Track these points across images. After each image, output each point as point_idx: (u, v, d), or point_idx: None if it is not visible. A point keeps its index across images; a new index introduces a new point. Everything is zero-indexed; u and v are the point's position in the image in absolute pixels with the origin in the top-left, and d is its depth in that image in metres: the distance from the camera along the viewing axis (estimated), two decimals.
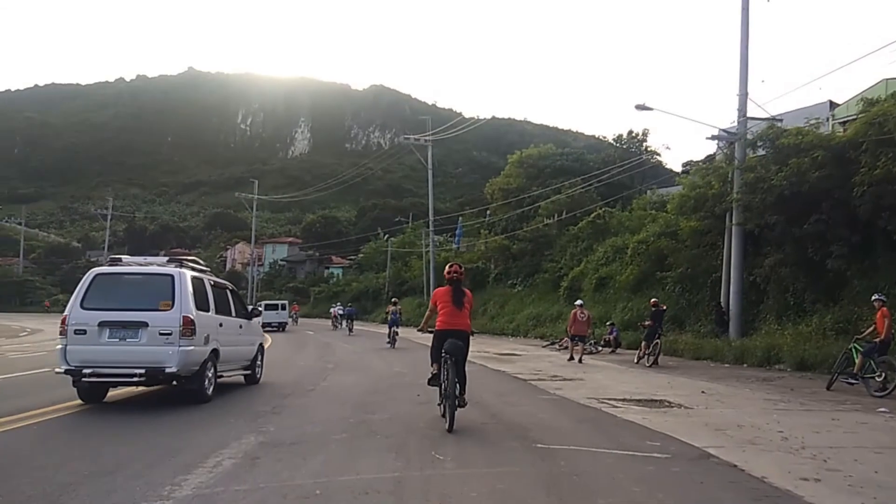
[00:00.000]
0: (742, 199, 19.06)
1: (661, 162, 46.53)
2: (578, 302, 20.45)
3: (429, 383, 8.07)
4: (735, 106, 20.23)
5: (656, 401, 10.37)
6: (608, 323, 23.75)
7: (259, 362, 12.20)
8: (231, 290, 11.19)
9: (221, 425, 7.79)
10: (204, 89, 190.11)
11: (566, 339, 22.43)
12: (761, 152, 19.93)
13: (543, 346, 24.64)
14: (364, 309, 55.81)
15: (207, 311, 9.52)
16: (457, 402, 7.51)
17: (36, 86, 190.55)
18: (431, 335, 8.00)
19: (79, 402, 9.11)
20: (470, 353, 8.07)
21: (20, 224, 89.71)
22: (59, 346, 8.78)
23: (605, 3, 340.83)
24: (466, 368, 7.90)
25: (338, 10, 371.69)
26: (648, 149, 45.83)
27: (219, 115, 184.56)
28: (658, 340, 17.44)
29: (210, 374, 9.51)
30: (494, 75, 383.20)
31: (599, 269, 30.40)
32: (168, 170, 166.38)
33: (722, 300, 20.56)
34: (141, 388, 10.10)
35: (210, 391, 9.52)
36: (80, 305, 8.82)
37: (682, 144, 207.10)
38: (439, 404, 7.97)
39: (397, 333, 24.23)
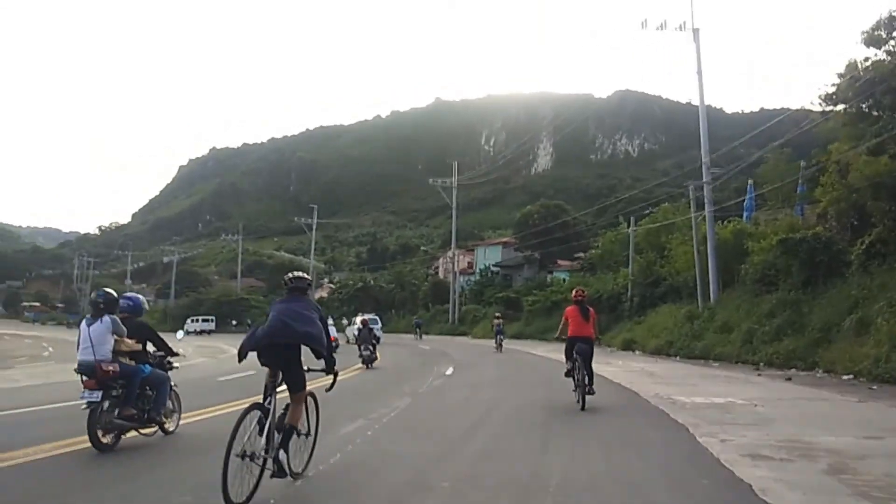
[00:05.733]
0: None
1: None
2: None
3: (565, 375, 10.45)
4: None
5: None
6: None
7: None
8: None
9: None
10: (450, 116, 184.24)
11: None
12: None
13: None
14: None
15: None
16: (587, 390, 9.87)
17: (307, 129, 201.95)
18: (564, 343, 10.57)
19: None
20: None
21: (278, 251, 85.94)
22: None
23: None
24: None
25: (575, 20, 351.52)
26: None
27: (464, 139, 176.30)
28: None
29: None
30: (762, 62, 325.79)
31: None
32: (418, 195, 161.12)
33: None
34: None
35: None
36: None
37: None
38: (573, 390, 10.25)
39: (502, 344, 27.60)
